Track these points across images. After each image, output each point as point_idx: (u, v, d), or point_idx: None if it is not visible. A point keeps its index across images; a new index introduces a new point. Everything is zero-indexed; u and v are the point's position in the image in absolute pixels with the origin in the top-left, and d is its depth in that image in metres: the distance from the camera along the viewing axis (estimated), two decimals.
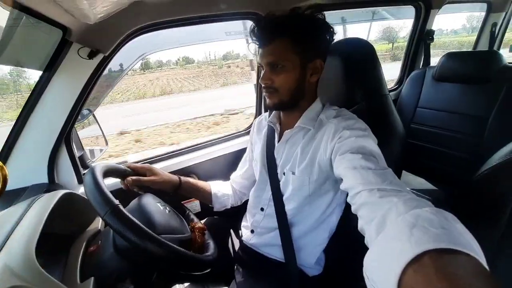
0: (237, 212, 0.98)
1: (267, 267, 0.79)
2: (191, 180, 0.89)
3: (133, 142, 5.85)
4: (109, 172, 0.67)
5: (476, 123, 1.15)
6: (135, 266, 0.61)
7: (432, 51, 1.64)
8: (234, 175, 0.98)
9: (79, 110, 0.88)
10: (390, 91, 1.59)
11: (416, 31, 1.61)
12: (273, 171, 0.78)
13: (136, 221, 0.51)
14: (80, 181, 0.95)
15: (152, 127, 6.94)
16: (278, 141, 0.78)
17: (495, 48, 1.81)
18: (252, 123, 1.08)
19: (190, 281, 0.78)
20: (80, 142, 1.04)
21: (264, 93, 0.73)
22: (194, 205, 1.13)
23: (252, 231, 0.84)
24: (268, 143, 0.82)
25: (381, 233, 0.36)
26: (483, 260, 0.28)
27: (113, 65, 0.94)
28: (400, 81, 1.73)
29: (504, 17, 1.77)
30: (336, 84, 0.84)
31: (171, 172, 0.86)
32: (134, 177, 0.73)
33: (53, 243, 0.63)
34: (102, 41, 0.80)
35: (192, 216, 0.83)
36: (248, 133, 1.28)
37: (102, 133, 1.19)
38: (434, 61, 1.44)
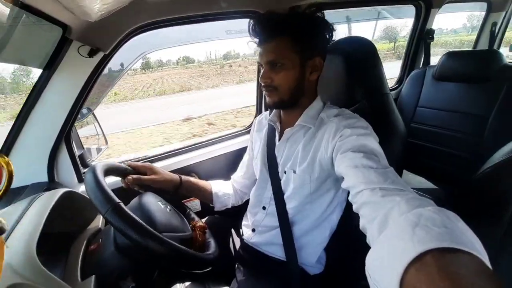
0: (237, 211, 0.98)
1: (268, 266, 0.79)
2: (191, 179, 0.89)
3: (206, 125, 6.55)
4: (110, 170, 0.67)
5: (476, 122, 1.15)
6: (136, 264, 0.61)
7: (433, 50, 1.64)
8: (235, 175, 0.98)
9: (79, 109, 0.87)
10: (390, 90, 1.59)
11: (416, 30, 1.61)
12: (274, 170, 0.78)
13: (138, 219, 0.51)
14: (80, 180, 0.95)
15: (212, 114, 7.67)
16: (279, 140, 0.78)
17: (495, 47, 1.81)
18: (252, 122, 1.08)
19: (191, 280, 0.78)
20: (80, 140, 1.04)
21: (264, 92, 0.73)
22: (194, 204, 1.13)
23: (253, 230, 0.83)
24: (268, 141, 0.81)
25: (383, 232, 0.36)
26: (485, 259, 0.28)
27: (113, 64, 0.94)
28: (400, 81, 1.73)
29: (504, 16, 1.78)
30: (337, 83, 0.83)
31: (171, 171, 0.86)
32: (134, 176, 0.73)
33: (54, 242, 0.63)
34: (103, 39, 0.80)
35: (193, 215, 0.83)
36: (248, 132, 1.28)
37: (102, 132, 1.18)
38: (435, 60, 1.44)
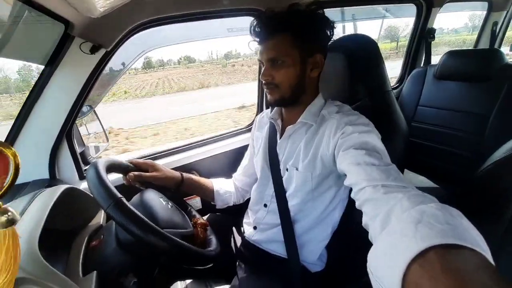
0: (239, 209, 0.98)
1: (269, 263, 0.79)
2: (193, 177, 0.89)
3: None
4: (112, 167, 0.67)
5: (477, 121, 1.15)
6: (138, 260, 0.61)
7: (436, 49, 1.64)
8: (237, 173, 0.98)
9: (81, 106, 0.87)
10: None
11: (417, 29, 1.61)
12: (276, 167, 0.78)
13: (140, 214, 0.51)
14: (81, 177, 0.95)
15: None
16: (280, 137, 0.78)
17: (495, 46, 1.81)
18: (253, 120, 1.08)
19: (192, 277, 0.78)
20: (81, 138, 1.04)
21: (265, 89, 0.73)
22: (195, 202, 1.13)
23: (254, 228, 0.83)
24: (270, 139, 0.81)
25: (386, 229, 0.36)
26: (488, 256, 0.28)
27: (114, 61, 0.94)
28: (401, 80, 1.73)
29: (505, 16, 1.78)
30: (339, 81, 0.83)
31: (172, 169, 0.86)
32: (136, 173, 0.73)
33: (55, 238, 0.63)
34: (104, 36, 0.80)
35: (194, 212, 0.83)
36: (249, 130, 1.28)
37: (103, 129, 1.18)
38: (437, 59, 1.44)
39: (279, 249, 0.77)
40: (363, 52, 0.82)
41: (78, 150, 0.96)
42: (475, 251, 0.27)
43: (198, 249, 0.60)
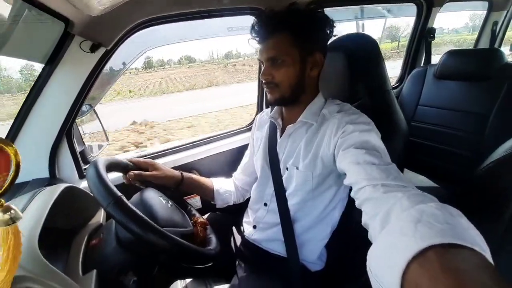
0: (238, 209, 0.98)
1: (269, 262, 0.79)
2: (193, 176, 0.89)
3: None
4: (112, 166, 0.67)
5: (477, 121, 1.15)
6: (137, 259, 0.61)
7: (440, 49, 1.64)
8: (236, 172, 0.98)
9: (81, 105, 0.87)
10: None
11: (417, 28, 1.61)
12: (276, 166, 0.78)
13: (139, 212, 0.51)
14: (81, 176, 0.95)
15: None
16: (280, 136, 0.78)
17: (495, 46, 1.81)
18: (253, 119, 1.08)
19: (191, 276, 0.78)
20: (81, 137, 1.04)
21: (265, 89, 0.73)
22: (195, 201, 1.13)
23: (254, 227, 0.83)
24: (270, 138, 0.81)
25: (386, 228, 0.36)
26: (488, 255, 0.28)
27: (114, 60, 0.94)
28: (401, 79, 1.73)
29: (505, 15, 1.78)
30: (339, 80, 0.83)
31: (172, 168, 0.86)
32: (136, 172, 0.73)
33: (55, 237, 0.63)
34: (104, 34, 0.80)
35: (194, 211, 0.83)
36: (249, 129, 1.28)
37: (103, 128, 1.18)
38: (436, 60, 1.44)
39: (278, 248, 0.78)
40: (363, 51, 0.82)
41: (78, 149, 0.96)
42: (474, 251, 0.27)
43: (198, 247, 0.60)
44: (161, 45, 1.14)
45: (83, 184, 0.90)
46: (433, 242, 0.28)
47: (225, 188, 0.94)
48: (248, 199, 0.92)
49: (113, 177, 0.90)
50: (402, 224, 0.33)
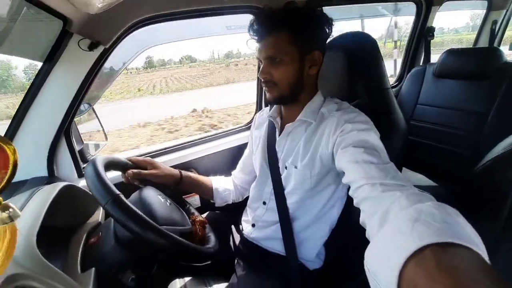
0: (237, 207, 0.98)
1: (268, 261, 0.79)
2: (192, 174, 0.89)
3: None
4: (110, 164, 0.67)
5: (476, 120, 1.16)
6: (136, 257, 0.61)
7: (443, 48, 1.64)
8: (236, 171, 0.98)
9: (79, 103, 0.87)
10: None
11: (417, 27, 1.61)
12: (274, 165, 0.78)
13: (138, 211, 0.51)
14: (80, 174, 0.95)
15: None
16: (279, 135, 0.78)
17: (495, 45, 1.81)
18: (252, 118, 1.08)
19: (190, 274, 0.78)
20: (80, 135, 1.04)
21: (264, 88, 0.73)
22: (194, 200, 1.13)
23: (253, 225, 0.84)
24: (269, 137, 0.81)
25: (383, 227, 0.36)
26: (485, 254, 0.28)
27: (113, 58, 0.93)
28: (400, 78, 1.73)
29: (505, 15, 1.78)
30: (338, 78, 0.83)
31: (171, 167, 0.86)
32: (135, 170, 0.73)
33: (54, 235, 0.63)
34: (103, 32, 0.79)
35: (193, 210, 0.83)
36: (248, 128, 1.28)
37: (102, 127, 1.18)
38: (435, 59, 1.44)
39: (277, 246, 0.78)
40: (363, 50, 0.82)
41: (77, 147, 0.96)
42: (471, 250, 0.28)
43: (197, 246, 0.60)
44: (160, 44, 1.14)
45: (82, 183, 0.90)
46: (430, 241, 0.28)
47: (224, 186, 0.94)
48: (247, 198, 0.92)
49: (112, 176, 0.90)
50: (400, 223, 0.33)
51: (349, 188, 0.53)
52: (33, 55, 0.84)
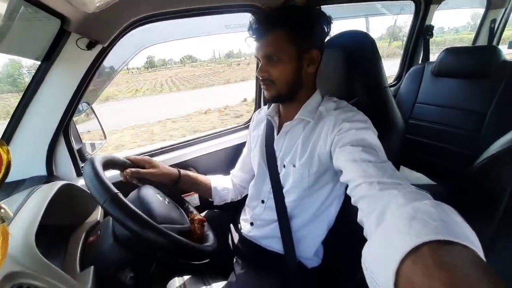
0: (236, 206, 0.98)
1: (266, 259, 0.79)
2: (190, 173, 0.89)
3: None
4: (109, 163, 0.67)
5: (474, 118, 1.16)
6: (135, 256, 0.62)
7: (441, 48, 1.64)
8: (234, 170, 0.98)
9: (78, 102, 0.87)
10: (389, 86, 1.59)
11: (415, 26, 1.61)
12: (273, 164, 0.78)
13: (136, 209, 0.51)
14: (79, 173, 0.95)
15: None
16: (277, 134, 0.78)
17: (494, 44, 1.81)
18: (251, 117, 1.08)
19: (189, 273, 0.79)
20: (79, 134, 1.04)
21: (262, 86, 0.73)
22: (193, 199, 1.13)
23: (251, 224, 0.84)
24: (267, 135, 0.81)
25: (381, 225, 0.37)
26: (480, 252, 0.28)
27: (112, 57, 0.93)
28: (399, 77, 1.73)
29: (504, 13, 1.77)
30: (337, 77, 0.83)
31: (170, 166, 0.86)
32: (133, 169, 0.73)
33: (53, 234, 0.64)
34: (101, 31, 0.79)
35: (192, 209, 0.83)
36: (247, 127, 1.28)
37: (101, 126, 1.18)
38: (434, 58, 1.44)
39: (276, 245, 0.78)
40: (361, 49, 0.82)
41: (76, 147, 0.96)
42: (467, 247, 0.28)
43: (195, 244, 0.61)
44: (159, 43, 1.13)
45: (81, 182, 0.90)
46: (427, 239, 0.28)
47: (222, 185, 0.94)
48: (246, 196, 0.92)
49: (111, 175, 0.90)
50: (397, 221, 0.34)
51: (346, 186, 0.53)
52: (31, 54, 0.84)
